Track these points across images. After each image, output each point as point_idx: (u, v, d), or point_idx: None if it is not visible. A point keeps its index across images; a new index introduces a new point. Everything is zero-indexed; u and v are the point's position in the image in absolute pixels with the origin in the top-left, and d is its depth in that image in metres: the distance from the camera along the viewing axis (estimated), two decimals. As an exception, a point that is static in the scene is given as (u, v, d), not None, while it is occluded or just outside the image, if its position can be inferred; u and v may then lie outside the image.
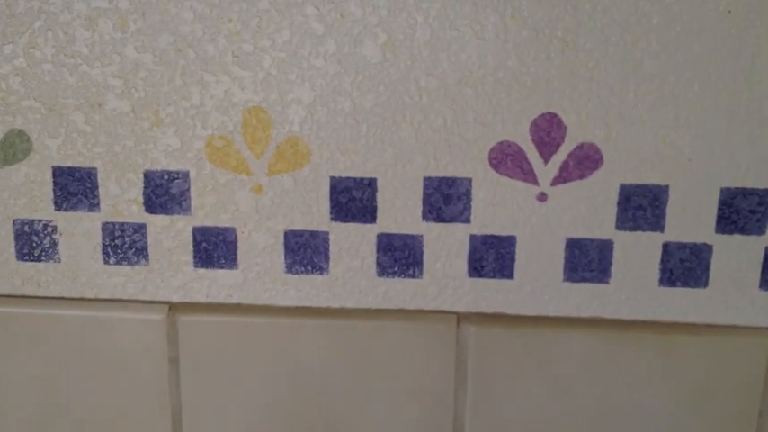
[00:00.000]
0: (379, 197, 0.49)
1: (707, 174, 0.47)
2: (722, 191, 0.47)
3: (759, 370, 0.50)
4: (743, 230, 0.47)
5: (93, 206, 0.50)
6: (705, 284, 0.49)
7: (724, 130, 0.46)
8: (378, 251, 0.50)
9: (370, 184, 0.49)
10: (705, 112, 0.46)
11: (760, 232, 0.47)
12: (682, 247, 0.48)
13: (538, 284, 0.50)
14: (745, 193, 0.47)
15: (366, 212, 0.49)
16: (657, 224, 0.48)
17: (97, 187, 0.50)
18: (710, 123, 0.46)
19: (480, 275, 0.50)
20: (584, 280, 0.49)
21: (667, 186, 0.47)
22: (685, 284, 0.49)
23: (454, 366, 0.51)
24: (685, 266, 0.48)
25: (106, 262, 0.51)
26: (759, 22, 0.45)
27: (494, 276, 0.50)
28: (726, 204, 0.47)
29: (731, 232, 0.48)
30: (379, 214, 0.49)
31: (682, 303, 0.49)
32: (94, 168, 0.50)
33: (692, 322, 0.50)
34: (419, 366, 0.51)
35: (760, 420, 0.51)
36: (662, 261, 0.48)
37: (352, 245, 0.50)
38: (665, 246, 0.48)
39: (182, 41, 0.47)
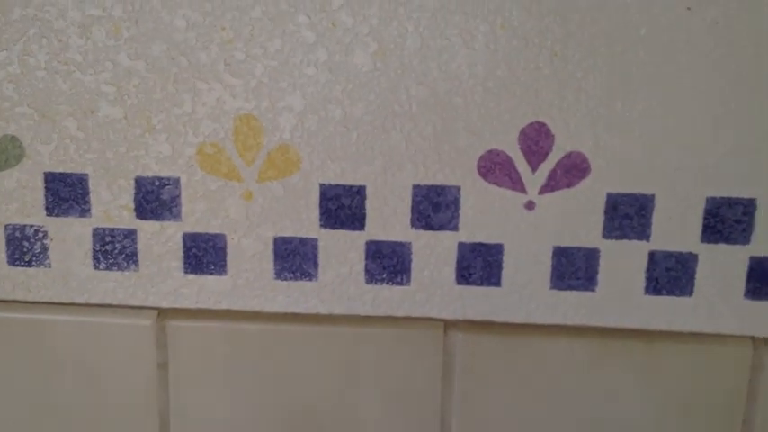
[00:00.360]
0: (369, 204, 0.49)
1: (693, 183, 0.47)
2: (708, 200, 0.47)
3: (743, 378, 0.50)
4: (728, 240, 0.48)
5: (85, 212, 0.50)
6: (690, 293, 0.49)
7: (710, 139, 0.47)
8: (366, 258, 0.50)
9: (360, 192, 0.49)
10: (692, 122, 0.46)
11: (745, 242, 0.48)
12: (667, 255, 0.48)
13: (525, 292, 0.50)
14: (730, 202, 0.47)
15: (355, 220, 0.49)
16: (644, 233, 0.48)
17: (88, 193, 0.50)
18: (697, 133, 0.46)
19: (468, 283, 0.50)
20: (570, 288, 0.49)
21: (653, 195, 0.47)
22: (671, 293, 0.49)
23: (441, 373, 0.51)
24: (671, 275, 0.49)
25: (96, 267, 0.51)
26: (746, 33, 0.45)
27: (481, 284, 0.50)
28: (711, 214, 0.47)
29: (716, 241, 0.48)
30: (368, 221, 0.49)
31: (667, 312, 0.49)
32: (86, 174, 0.50)
33: (678, 330, 0.50)
34: (407, 373, 0.51)
35: (744, 428, 0.51)
36: (648, 269, 0.49)
37: (341, 252, 0.50)
38: (651, 254, 0.49)
39: (174, 49, 0.48)
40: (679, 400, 0.51)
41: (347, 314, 0.51)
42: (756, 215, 0.47)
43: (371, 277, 0.50)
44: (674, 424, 0.51)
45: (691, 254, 0.48)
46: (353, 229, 0.49)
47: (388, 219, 0.49)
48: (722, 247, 0.48)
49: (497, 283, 0.50)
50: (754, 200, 0.47)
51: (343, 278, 0.50)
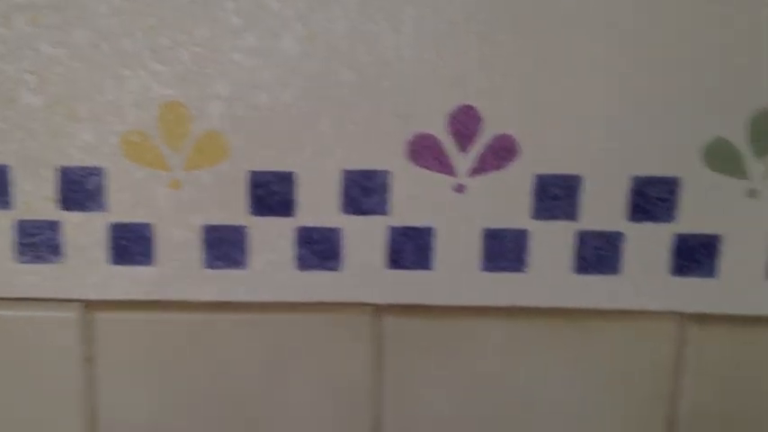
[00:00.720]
0: (299, 191, 0.49)
1: (619, 163, 0.48)
2: (633, 179, 0.48)
3: (670, 353, 0.51)
4: (653, 218, 0.48)
5: (6, 204, 0.49)
6: (618, 271, 0.50)
7: (634, 120, 0.47)
8: (297, 244, 0.50)
9: (289, 178, 0.48)
10: (617, 102, 0.47)
11: (669, 219, 0.48)
12: (595, 235, 0.49)
13: (456, 275, 0.50)
14: (655, 181, 0.48)
15: (285, 206, 0.49)
16: (572, 213, 0.49)
17: (11, 184, 0.49)
18: (622, 113, 0.47)
19: (399, 267, 0.50)
20: (501, 269, 0.50)
21: (581, 176, 0.48)
22: (599, 272, 0.50)
23: (373, 357, 0.51)
24: (599, 254, 0.49)
25: (20, 260, 0.50)
26: (670, 12, 0.46)
27: (412, 267, 0.50)
28: (637, 193, 0.48)
29: (642, 220, 0.48)
30: (298, 208, 0.49)
31: (596, 290, 0.50)
32: (7, 165, 0.49)
33: (607, 308, 0.50)
34: (339, 358, 0.51)
35: (672, 402, 0.52)
36: (576, 249, 0.49)
37: (272, 239, 0.49)
38: (579, 234, 0.49)
39: (98, 36, 0.47)
40: (608, 377, 0.51)
41: (278, 301, 0.51)
42: (680, 193, 0.48)
43: (302, 263, 0.50)
44: (604, 401, 0.52)
45: (618, 233, 0.49)
46: (283, 215, 0.49)
47: (319, 204, 0.49)
48: (648, 225, 0.49)
49: (428, 267, 0.50)
50: (678, 178, 0.48)
51: (274, 265, 0.50)
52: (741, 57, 0.46)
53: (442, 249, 0.49)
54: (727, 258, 0.49)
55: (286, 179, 0.48)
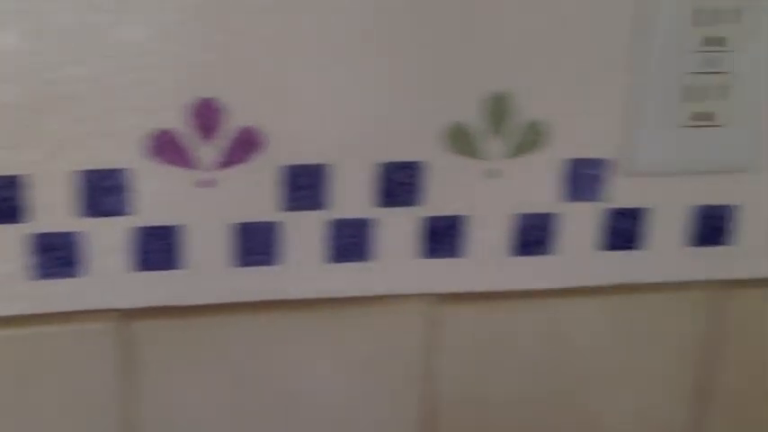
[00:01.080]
0: (30, 195, 0.45)
1: (364, 150, 0.48)
2: (379, 166, 0.48)
3: (420, 335, 0.52)
4: (401, 203, 0.49)
5: None
6: (371, 258, 0.50)
7: (377, 106, 0.47)
8: (32, 252, 0.46)
9: (19, 182, 0.45)
10: (360, 91, 0.47)
11: (416, 203, 0.49)
12: (346, 223, 0.49)
13: (207, 272, 0.48)
14: (400, 166, 0.48)
15: (15, 212, 0.45)
16: (321, 203, 0.48)
17: None
18: (365, 101, 0.47)
19: (146, 268, 0.48)
20: (253, 264, 0.49)
21: (329, 165, 0.48)
22: (352, 259, 0.50)
23: (123, 366, 0.49)
24: (351, 242, 0.49)
25: None
26: (405, 3, 0.46)
27: (161, 268, 0.48)
28: (383, 178, 0.49)
29: (390, 205, 0.49)
30: (31, 213, 0.45)
31: (350, 278, 0.50)
32: None
33: (362, 295, 0.51)
34: (86, 370, 0.48)
35: (429, 383, 0.53)
36: (329, 238, 0.49)
37: (2, 248, 0.46)
38: (331, 223, 0.49)
39: None
40: (367, 364, 0.52)
41: (14, 315, 0.47)
42: (425, 177, 0.49)
43: (40, 273, 0.46)
44: (362, 388, 0.53)
45: (368, 219, 0.49)
46: (14, 222, 0.45)
47: (54, 208, 0.45)
48: (396, 210, 0.49)
49: (177, 267, 0.48)
50: (422, 162, 0.49)
51: (6, 276, 0.46)
52: (475, 42, 0.47)
53: (191, 247, 0.48)
54: (473, 238, 0.51)
55: (13, 183, 0.45)
